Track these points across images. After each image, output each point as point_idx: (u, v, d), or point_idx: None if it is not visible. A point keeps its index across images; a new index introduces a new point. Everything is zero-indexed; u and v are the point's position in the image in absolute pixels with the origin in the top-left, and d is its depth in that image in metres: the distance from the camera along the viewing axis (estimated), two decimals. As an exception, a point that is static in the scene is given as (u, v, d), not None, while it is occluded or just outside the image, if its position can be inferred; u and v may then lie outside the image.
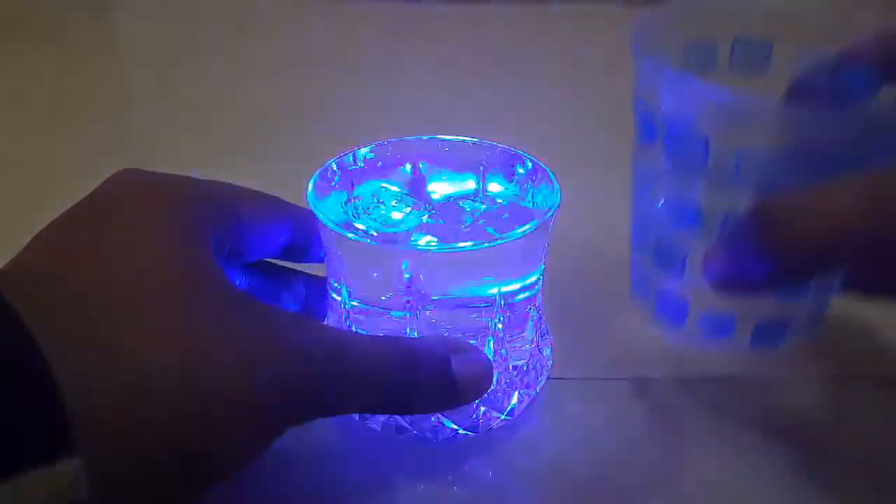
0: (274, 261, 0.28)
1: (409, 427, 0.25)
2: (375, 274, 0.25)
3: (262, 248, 0.26)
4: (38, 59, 0.61)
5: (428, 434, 0.26)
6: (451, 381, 0.23)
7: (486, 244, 0.23)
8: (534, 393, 0.27)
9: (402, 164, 0.28)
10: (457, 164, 0.28)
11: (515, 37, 0.69)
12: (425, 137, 0.28)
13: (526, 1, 0.71)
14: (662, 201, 0.26)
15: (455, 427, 0.26)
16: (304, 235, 0.26)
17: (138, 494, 0.18)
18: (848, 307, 0.28)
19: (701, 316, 0.27)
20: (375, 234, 0.25)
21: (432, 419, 0.25)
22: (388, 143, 0.28)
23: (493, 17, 0.72)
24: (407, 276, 0.24)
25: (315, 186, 0.25)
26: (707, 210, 0.24)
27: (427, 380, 0.23)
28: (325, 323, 0.27)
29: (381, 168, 0.28)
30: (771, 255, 0.21)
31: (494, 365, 0.24)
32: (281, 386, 0.20)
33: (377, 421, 0.26)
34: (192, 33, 0.68)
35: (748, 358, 0.29)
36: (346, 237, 0.23)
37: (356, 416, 0.26)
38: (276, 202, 0.26)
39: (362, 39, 0.68)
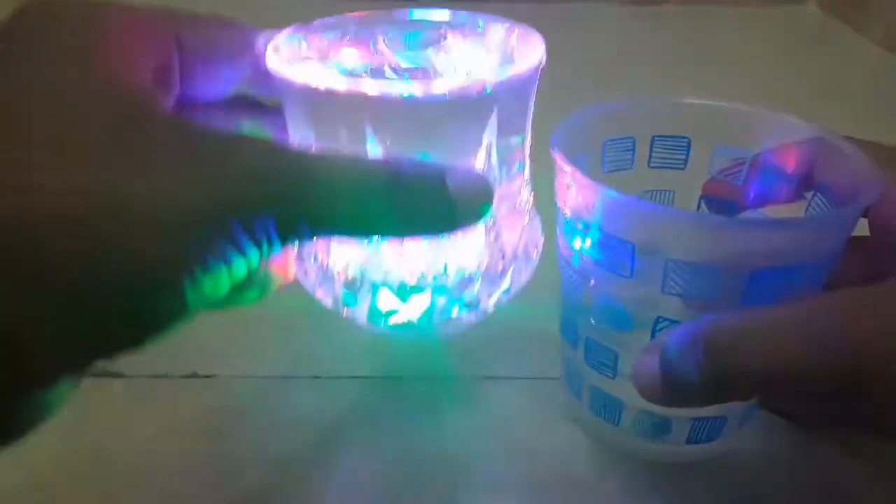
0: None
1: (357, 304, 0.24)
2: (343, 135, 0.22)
3: (215, 83, 0.24)
4: None
5: (372, 318, 0.24)
6: (448, 197, 0.20)
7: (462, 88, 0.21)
8: (531, 270, 0.26)
9: (367, 39, 0.27)
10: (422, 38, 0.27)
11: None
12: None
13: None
14: (592, 303, 0.25)
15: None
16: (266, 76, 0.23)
17: (61, 324, 0.16)
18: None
19: (635, 416, 0.26)
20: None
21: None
22: (351, 16, 0.26)
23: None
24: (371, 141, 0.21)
25: (276, 50, 0.23)
26: (636, 314, 0.24)
27: (420, 194, 0.20)
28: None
29: (346, 41, 0.26)
30: (710, 379, 0.20)
31: (487, 244, 0.23)
32: (232, 208, 0.18)
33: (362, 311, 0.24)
34: None
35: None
36: (313, 89, 0.21)
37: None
38: (231, 28, 0.24)
39: None
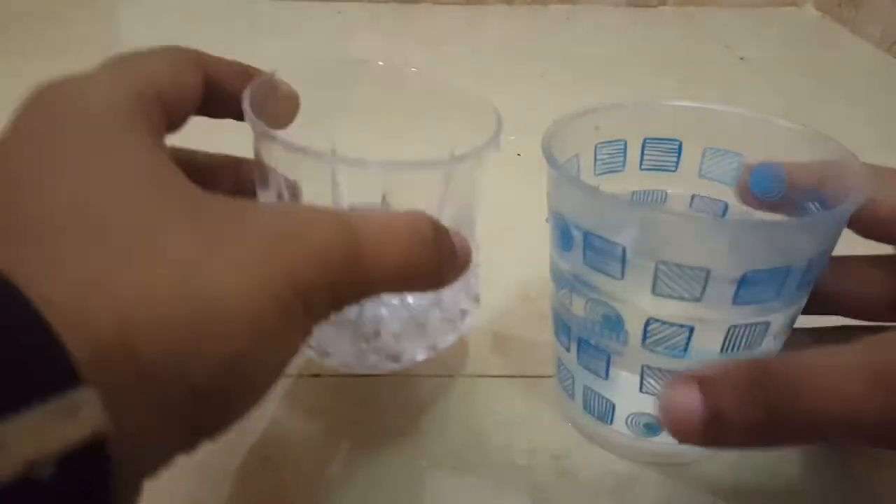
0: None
1: (334, 354, 0.26)
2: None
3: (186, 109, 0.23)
4: (38, 59, 0.60)
5: (350, 359, 0.26)
6: (454, 250, 0.21)
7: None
8: (463, 330, 0.28)
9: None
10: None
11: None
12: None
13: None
14: (583, 305, 0.25)
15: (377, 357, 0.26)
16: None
17: (160, 429, 0.16)
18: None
19: (628, 416, 0.27)
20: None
21: (361, 345, 0.25)
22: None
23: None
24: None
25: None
26: (628, 316, 0.24)
27: (444, 249, 0.21)
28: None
29: None
30: (764, 421, 0.19)
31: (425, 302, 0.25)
32: (295, 281, 0.17)
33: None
34: (192, 33, 0.68)
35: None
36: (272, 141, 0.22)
37: None
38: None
39: (363, 40, 0.69)
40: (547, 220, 0.26)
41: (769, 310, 0.23)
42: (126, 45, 0.23)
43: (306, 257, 0.18)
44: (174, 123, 0.22)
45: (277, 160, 0.24)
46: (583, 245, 0.24)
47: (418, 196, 0.25)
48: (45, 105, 0.19)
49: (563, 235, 0.25)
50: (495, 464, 0.27)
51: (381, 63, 0.28)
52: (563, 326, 0.27)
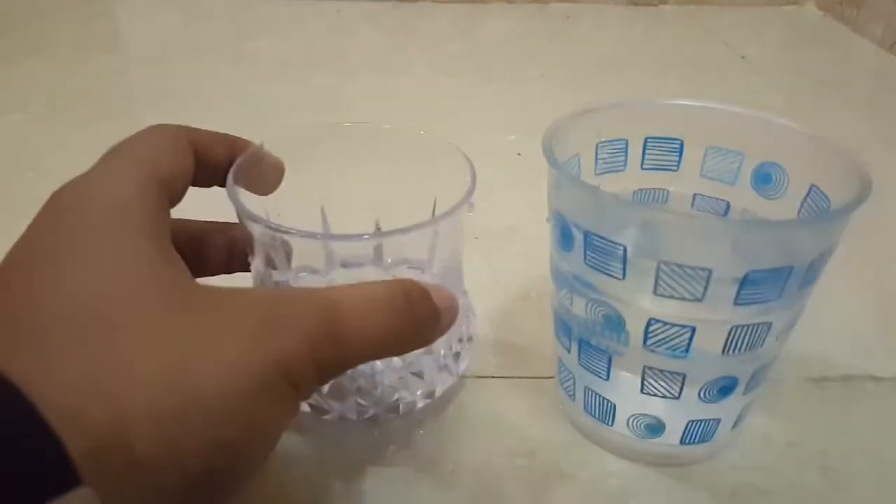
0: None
1: (332, 410, 0.27)
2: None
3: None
4: (38, 59, 0.60)
5: (348, 413, 0.27)
6: (437, 311, 0.22)
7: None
8: (456, 376, 0.29)
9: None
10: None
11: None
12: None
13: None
14: (584, 305, 0.25)
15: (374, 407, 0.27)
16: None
17: None
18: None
19: (629, 416, 0.26)
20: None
21: (358, 400, 0.26)
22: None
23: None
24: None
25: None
26: (629, 316, 0.24)
27: (424, 312, 0.22)
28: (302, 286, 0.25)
29: None
30: None
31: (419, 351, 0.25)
32: (285, 365, 0.19)
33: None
34: (192, 33, 0.68)
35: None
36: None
37: None
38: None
39: (362, 39, 0.69)
40: (547, 220, 0.26)
41: (771, 310, 0.23)
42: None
43: (291, 340, 0.19)
44: (174, 201, 0.23)
45: (268, 238, 0.25)
46: (583, 245, 0.24)
47: (409, 249, 0.27)
48: (53, 211, 0.21)
49: (564, 235, 0.25)
50: (495, 464, 0.27)
51: (350, 124, 0.30)
52: (563, 327, 0.27)
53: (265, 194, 0.27)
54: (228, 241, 0.27)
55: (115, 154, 0.23)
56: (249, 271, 0.27)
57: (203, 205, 0.26)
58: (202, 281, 0.23)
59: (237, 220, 0.25)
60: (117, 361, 0.17)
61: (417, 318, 0.22)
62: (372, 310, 0.21)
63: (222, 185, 0.25)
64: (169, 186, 0.23)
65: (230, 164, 0.26)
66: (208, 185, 0.26)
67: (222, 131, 0.27)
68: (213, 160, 0.25)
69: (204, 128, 0.26)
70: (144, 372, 0.17)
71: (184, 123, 0.25)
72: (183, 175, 0.24)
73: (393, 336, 0.21)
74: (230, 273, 0.28)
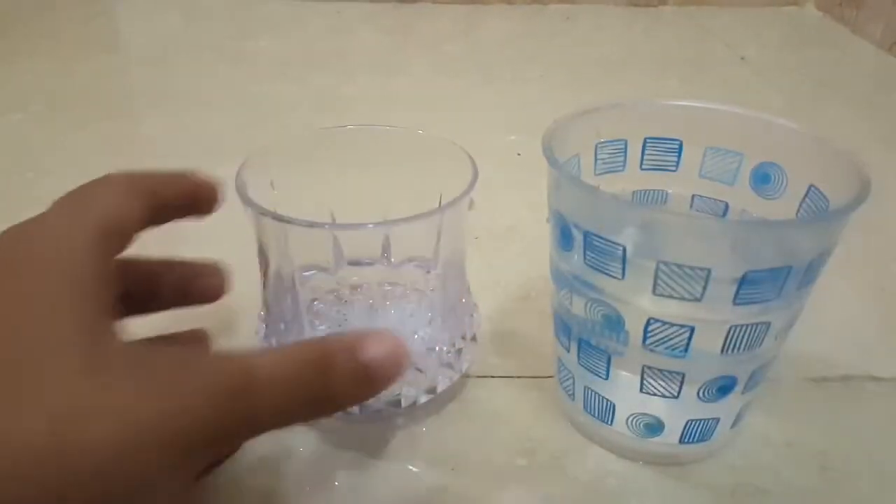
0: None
1: None
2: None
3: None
4: (38, 59, 0.60)
5: (352, 407, 0.27)
6: (364, 364, 0.21)
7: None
8: (458, 373, 0.29)
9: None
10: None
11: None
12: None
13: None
14: (584, 305, 0.25)
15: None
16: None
17: None
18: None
19: (628, 416, 0.26)
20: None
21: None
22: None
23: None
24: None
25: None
26: (628, 316, 0.24)
27: (340, 372, 0.21)
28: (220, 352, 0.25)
29: None
30: None
31: (419, 341, 0.25)
32: (171, 430, 0.18)
33: None
34: (192, 33, 0.68)
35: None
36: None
37: None
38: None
39: (362, 40, 0.69)
40: (547, 220, 0.26)
41: (770, 310, 0.23)
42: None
43: (187, 405, 0.19)
44: (123, 246, 0.24)
45: (278, 234, 0.26)
46: (583, 245, 0.24)
47: (414, 246, 0.28)
48: None
49: (564, 235, 0.25)
50: (495, 464, 0.27)
51: (352, 126, 0.30)
52: (563, 327, 0.27)
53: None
54: (178, 276, 0.28)
55: (62, 205, 0.23)
56: (206, 304, 0.28)
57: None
58: (158, 315, 0.25)
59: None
60: (13, 418, 0.17)
61: (330, 380, 0.21)
62: (282, 373, 0.20)
63: (177, 219, 0.26)
64: (117, 233, 0.23)
65: (186, 201, 0.26)
66: (162, 223, 0.26)
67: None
68: (166, 200, 0.25)
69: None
70: (32, 429, 0.17)
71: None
72: (133, 221, 0.24)
73: (301, 399, 0.21)
74: (185, 306, 0.28)
